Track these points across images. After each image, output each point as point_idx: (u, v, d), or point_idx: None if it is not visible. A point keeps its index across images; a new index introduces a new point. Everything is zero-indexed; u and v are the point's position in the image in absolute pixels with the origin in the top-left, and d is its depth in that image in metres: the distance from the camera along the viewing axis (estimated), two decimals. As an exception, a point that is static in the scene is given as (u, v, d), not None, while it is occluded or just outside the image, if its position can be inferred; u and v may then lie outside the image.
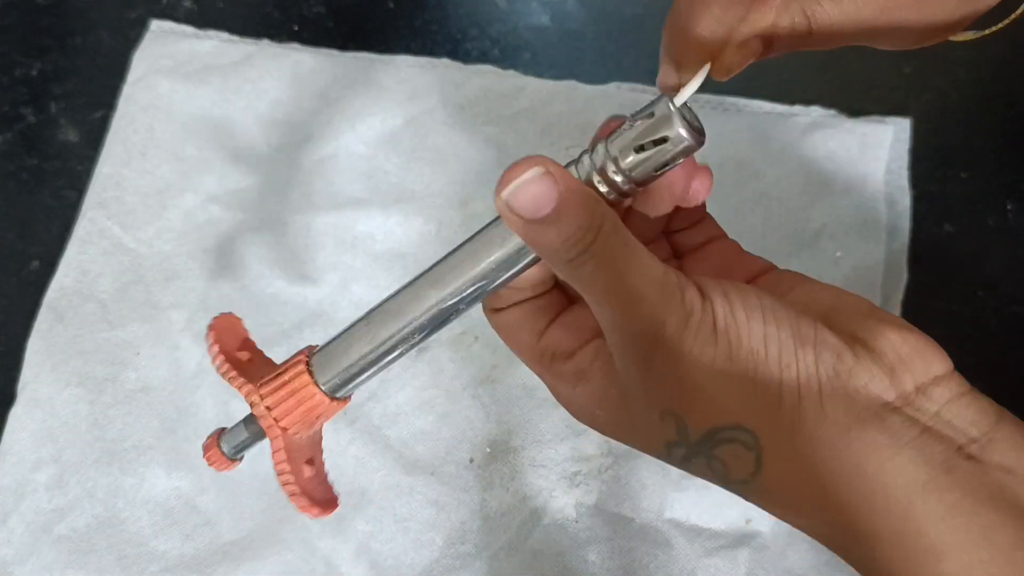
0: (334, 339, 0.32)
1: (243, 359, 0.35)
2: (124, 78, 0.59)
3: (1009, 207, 0.57)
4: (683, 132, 0.27)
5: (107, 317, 0.52)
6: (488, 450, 0.50)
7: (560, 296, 0.32)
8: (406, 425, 0.50)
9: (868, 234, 0.55)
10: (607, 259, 0.27)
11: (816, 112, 0.58)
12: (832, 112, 0.58)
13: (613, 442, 0.50)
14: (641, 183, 0.28)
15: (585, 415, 0.31)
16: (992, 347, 0.53)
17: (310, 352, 0.33)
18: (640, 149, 0.27)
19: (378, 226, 0.55)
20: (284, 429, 0.32)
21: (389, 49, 0.60)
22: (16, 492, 0.48)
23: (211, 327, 0.35)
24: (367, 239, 0.55)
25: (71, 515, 0.48)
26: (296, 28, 0.62)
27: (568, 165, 0.28)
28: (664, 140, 0.27)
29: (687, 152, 0.27)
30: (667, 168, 0.28)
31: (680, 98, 0.28)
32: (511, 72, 0.60)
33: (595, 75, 0.60)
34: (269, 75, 0.58)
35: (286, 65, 0.59)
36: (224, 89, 0.58)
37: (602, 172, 0.28)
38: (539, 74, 0.60)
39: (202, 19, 0.61)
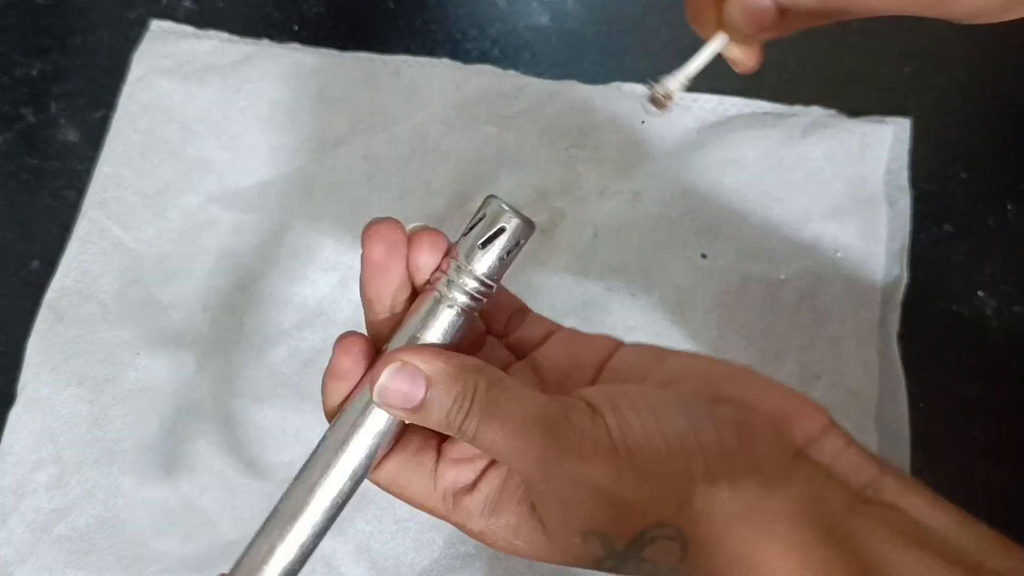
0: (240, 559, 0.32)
1: None
2: (124, 78, 0.59)
3: (1009, 207, 0.57)
4: (515, 218, 0.30)
5: (107, 317, 0.52)
6: (488, 450, 0.50)
7: (427, 431, 0.31)
8: (406, 425, 0.50)
9: (868, 234, 0.55)
10: (488, 415, 0.28)
11: (816, 112, 0.58)
12: (832, 112, 0.58)
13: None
14: (495, 279, 0.30)
15: (505, 546, 0.31)
16: (992, 347, 0.53)
17: None
18: (484, 245, 0.30)
19: (378, 226, 0.55)
20: None
21: (389, 49, 0.60)
22: (16, 492, 0.48)
23: None
24: (367, 239, 0.55)
25: (71, 515, 0.48)
26: (296, 28, 0.62)
27: (434, 306, 0.30)
28: (502, 230, 0.30)
29: (525, 235, 0.30)
30: (513, 254, 0.30)
31: (694, 65, 0.32)
32: (511, 72, 0.60)
33: (595, 75, 0.60)
34: (269, 75, 0.58)
35: (286, 65, 0.59)
36: (224, 89, 0.58)
37: (461, 287, 0.30)
38: (539, 74, 0.60)
39: (202, 19, 0.61)
